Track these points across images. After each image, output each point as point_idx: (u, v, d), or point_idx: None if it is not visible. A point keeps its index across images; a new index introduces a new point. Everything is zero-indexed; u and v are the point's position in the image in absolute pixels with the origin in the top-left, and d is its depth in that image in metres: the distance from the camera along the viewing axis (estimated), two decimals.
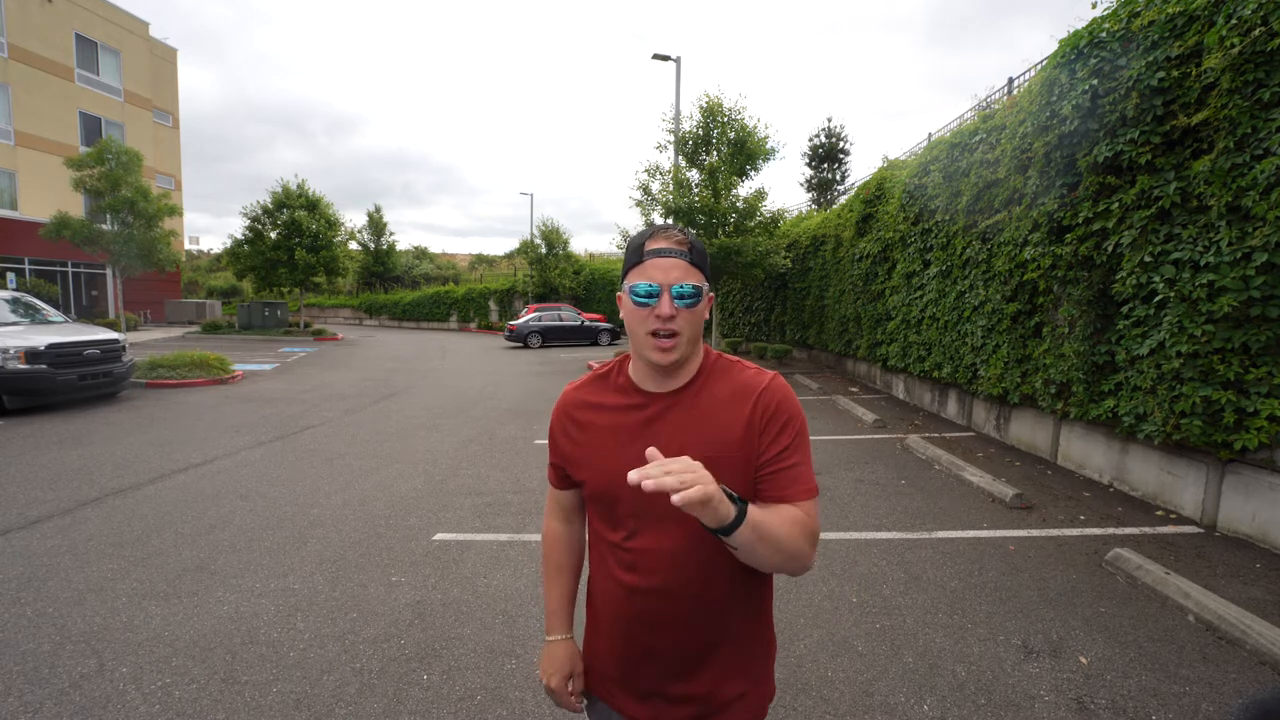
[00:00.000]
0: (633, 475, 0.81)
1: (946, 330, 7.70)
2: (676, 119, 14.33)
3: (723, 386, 1.10)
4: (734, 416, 1.06)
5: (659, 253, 1.05)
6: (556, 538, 1.30)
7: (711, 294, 1.10)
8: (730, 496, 0.89)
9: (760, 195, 13.20)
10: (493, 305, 33.32)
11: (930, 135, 9.20)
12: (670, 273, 1.03)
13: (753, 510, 0.91)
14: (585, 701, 1.28)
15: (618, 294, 1.12)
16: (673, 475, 0.81)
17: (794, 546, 0.97)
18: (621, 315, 1.11)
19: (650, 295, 1.03)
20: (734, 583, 1.10)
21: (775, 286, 15.23)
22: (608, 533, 1.15)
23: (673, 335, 1.03)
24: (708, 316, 1.12)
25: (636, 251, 1.07)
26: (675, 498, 0.79)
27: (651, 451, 0.87)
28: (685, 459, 0.85)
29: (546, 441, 1.23)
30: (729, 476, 1.01)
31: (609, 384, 1.17)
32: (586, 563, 1.30)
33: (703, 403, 1.09)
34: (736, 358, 1.16)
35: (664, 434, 1.07)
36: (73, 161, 18.61)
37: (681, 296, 1.03)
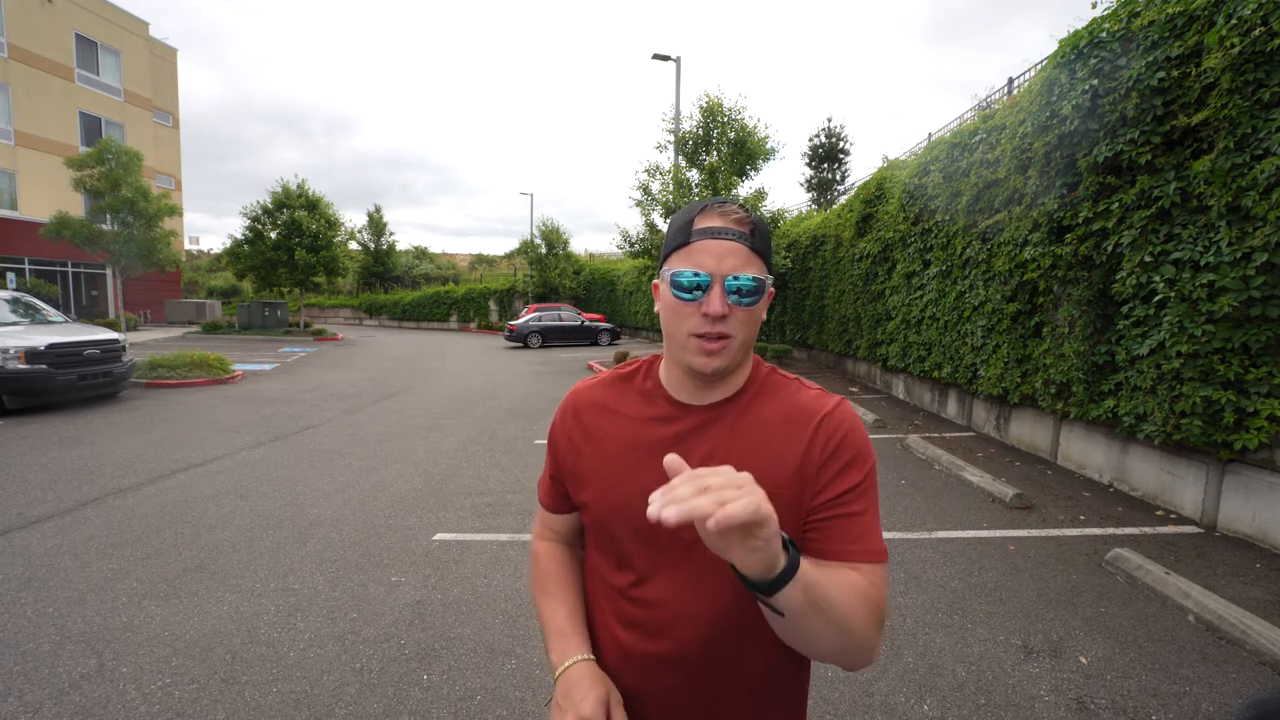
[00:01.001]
0: (653, 508, 0.57)
1: (946, 330, 7.70)
2: (676, 119, 14.33)
3: (775, 406, 0.88)
4: (788, 445, 0.84)
5: (713, 233, 0.82)
6: (550, 553, 1.05)
7: (772, 289, 0.87)
8: (784, 541, 0.65)
9: (760, 195, 13.20)
10: (493, 305, 33.32)
11: (930, 135, 9.20)
12: (725, 260, 0.81)
13: (806, 565, 0.67)
14: None
15: (654, 281, 0.90)
16: (710, 494, 0.57)
17: (857, 625, 0.72)
18: (657, 308, 0.89)
19: (697, 287, 0.81)
20: (774, 660, 0.86)
21: (775, 286, 15.21)
22: (610, 574, 0.92)
23: (723, 338, 0.82)
24: (765, 316, 0.88)
25: (683, 229, 0.84)
26: (711, 521, 0.56)
27: (673, 460, 0.64)
28: (727, 469, 0.62)
29: (550, 425, 1.03)
30: (780, 515, 0.72)
31: (632, 387, 0.95)
32: None
33: (749, 423, 0.87)
34: (793, 375, 0.94)
35: (697, 456, 0.85)
36: (73, 161, 18.62)
37: (739, 292, 0.81)
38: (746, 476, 0.61)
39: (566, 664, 0.91)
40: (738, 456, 0.84)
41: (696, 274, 0.81)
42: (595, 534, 0.96)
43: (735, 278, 0.81)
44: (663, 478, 0.67)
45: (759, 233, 0.84)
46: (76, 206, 20.66)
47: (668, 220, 13.67)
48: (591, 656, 0.93)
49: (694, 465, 0.73)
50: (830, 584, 0.71)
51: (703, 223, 0.83)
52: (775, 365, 0.96)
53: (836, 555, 0.79)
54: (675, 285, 0.82)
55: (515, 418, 8.46)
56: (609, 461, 0.91)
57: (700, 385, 0.89)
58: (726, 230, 0.82)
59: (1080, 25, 5.20)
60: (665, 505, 0.57)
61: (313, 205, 24.27)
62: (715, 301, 0.80)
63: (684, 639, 0.85)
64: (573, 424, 0.97)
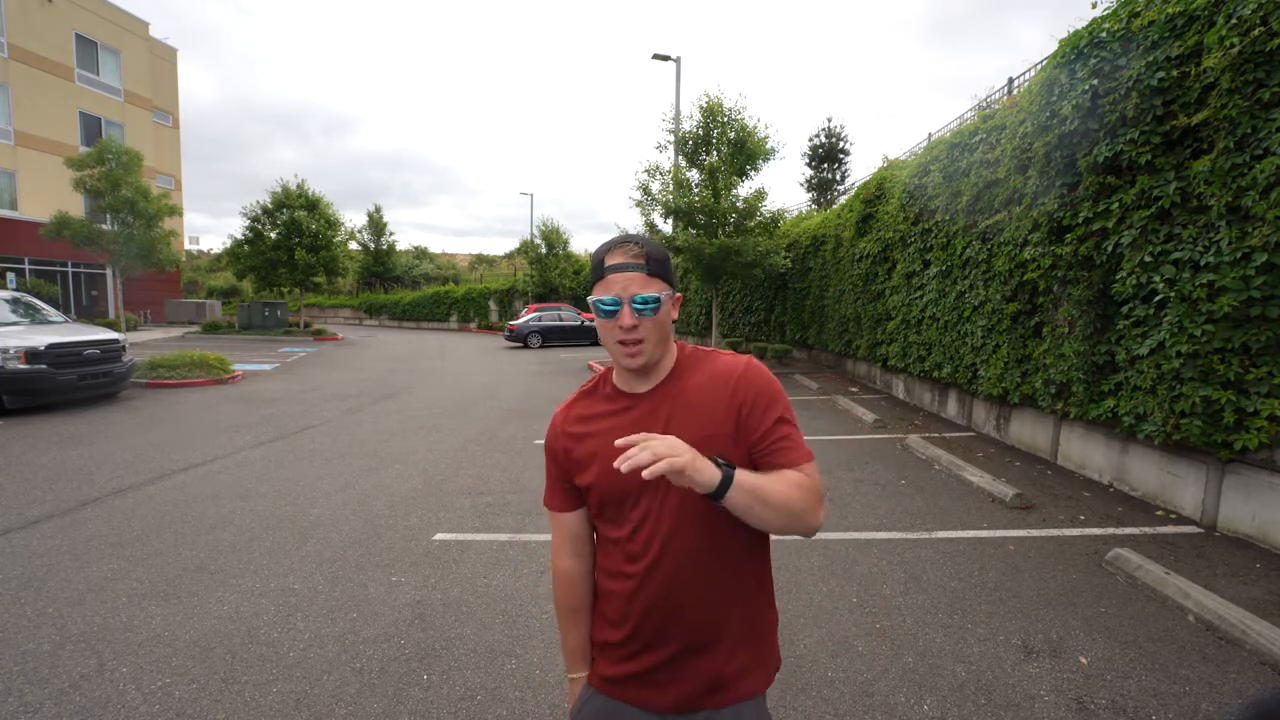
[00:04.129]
0: (617, 461, 0.91)
1: (946, 330, 7.70)
2: (676, 119, 14.33)
3: (700, 375, 1.17)
4: (716, 399, 1.13)
5: (616, 268, 1.10)
6: (571, 578, 1.28)
7: (679, 294, 1.17)
8: (718, 463, 0.98)
9: (760, 195, 13.19)
10: (493, 305, 33.32)
11: (930, 135, 9.20)
12: (629, 286, 1.09)
13: (744, 474, 0.99)
14: (587, 694, 1.26)
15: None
16: (648, 450, 0.91)
17: (797, 505, 1.04)
18: (597, 327, 1.18)
19: (613, 309, 1.09)
20: (738, 559, 1.16)
21: (775, 286, 15.22)
22: (613, 530, 1.18)
23: (638, 342, 1.10)
24: (676, 316, 1.18)
25: (598, 267, 1.13)
26: (645, 472, 0.89)
27: (622, 441, 0.95)
28: (669, 438, 0.94)
29: (545, 444, 1.27)
30: (722, 450, 1.08)
31: (597, 396, 1.23)
32: None
33: (684, 392, 1.15)
34: (711, 349, 1.23)
35: (655, 428, 1.12)
36: (73, 161, 18.61)
37: (642, 305, 1.09)
38: (674, 440, 0.94)
39: (575, 675, 1.28)
40: (684, 418, 1.12)
41: (611, 299, 1.09)
42: (599, 505, 1.19)
43: (637, 298, 1.09)
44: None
45: (653, 259, 1.11)
46: (76, 206, 20.66)
47: (669, 220, 13.72)
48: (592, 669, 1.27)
49: (656, 432, 1.08)
50: (770, 482, 1.03)
51: (610, 260, 1.11)
52: (696, 344, 1.24)
53: (782, 466, 1.10)
54: (598, 308, 1.11)
55: (515, 418, 8.46)
56: (599, 450, 1.16)
57: (639, 377, 1.17)
58: (626, 264, 1.10)
59: (1080, 25, 5.21)
60: (621, 462, 0.91)
61: (312, 205, 24.25)
62: (625, 317, 1.09)
63: (673, 559, 1.12)
64: (563, 437, 1.23)
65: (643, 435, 0.96)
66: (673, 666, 1.15)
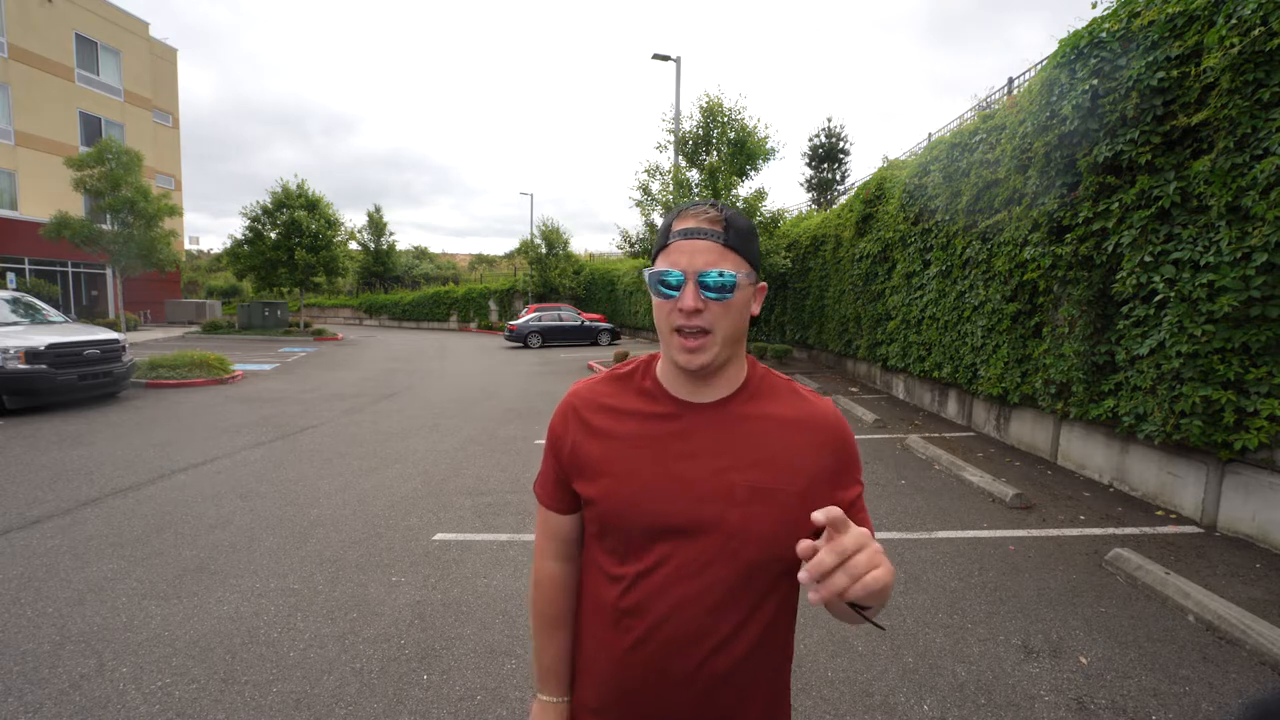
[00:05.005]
0: (804, 576, 0.66)
1: (946, 330, 7.70)
2: (676, 119, 14.33)
3: (778, 408, 0.94)
4: (797, 448, 0.91)
5: (686, 233, 0.87)
6: (554, 584, 1.05)
7: (763, 284, 0.94)
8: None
9: (760, 195, 13.20)
10: (493, 305, 33.32)
11: (930, 135, 9.20)
12: (697, 257, 0.85)
13: None
14: None
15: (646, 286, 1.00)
16: (845, 573, 0.65)
17: (889, 591, 0.83)
18: (653, 310, 0.94)
19: (676, 285, 0.86)
20: (765, 626, 0.92)
21: (775, 286, 15.23)
22: (612, 565, 0.94)
23: (702, 333, 0.86)
24: (756, 312, 0.93)
25: (663, 234, 0.91)
26: (856, 589, 0.65)
27: (833, 513, 0.67)
28: (860, 534, 0.68)
29: (550, 424, 1.04)
30: (785, 512, 0.87)
31: (631, 386, 0.98)
32: None
33: (750, 424, 0.92)
34: (785, 376, 1.00)
35: (707, 454, 0.90)
36: (73, 161, 18.60)
37: (711, 287, 0.85)
38: (873, 542, 0.69)
39: (545, 698, 1.04)
40: (743, 453, 0.90)
41: (674, 273, 0.86)
42: (600, 529, 0.96)
43: (708, 274, 0.85)
44: (673, 473, 0.89)
45: (734, 230, 0.88)
46: (76, 206, 20.64)
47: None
48: (568, 699, 1.03)
49: (701, 464, 0.89)
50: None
51: (679, 225, 0.89)
52: (769, 366, 1.02)
53: None
54: (655, 284, 0.89)
55: (515, 418, 8.46)
56: (616, 458, 0.93)
57: (695, 383, 0.93)
58: (699, 230, 0.87)
59: (1080, 25, 5.21)
60: (810, 583, 0.66)
61: (312, 205, 24.25)
62: (687, 297, 0.85)
63: (688, 620, 0.88)
64: (575, 422, 0.98)
65: (829, 514, 0.67)
66: None
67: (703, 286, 0.85)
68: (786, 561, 0.88)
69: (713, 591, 0.88)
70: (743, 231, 0.89)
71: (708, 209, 0.89)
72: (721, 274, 0.85)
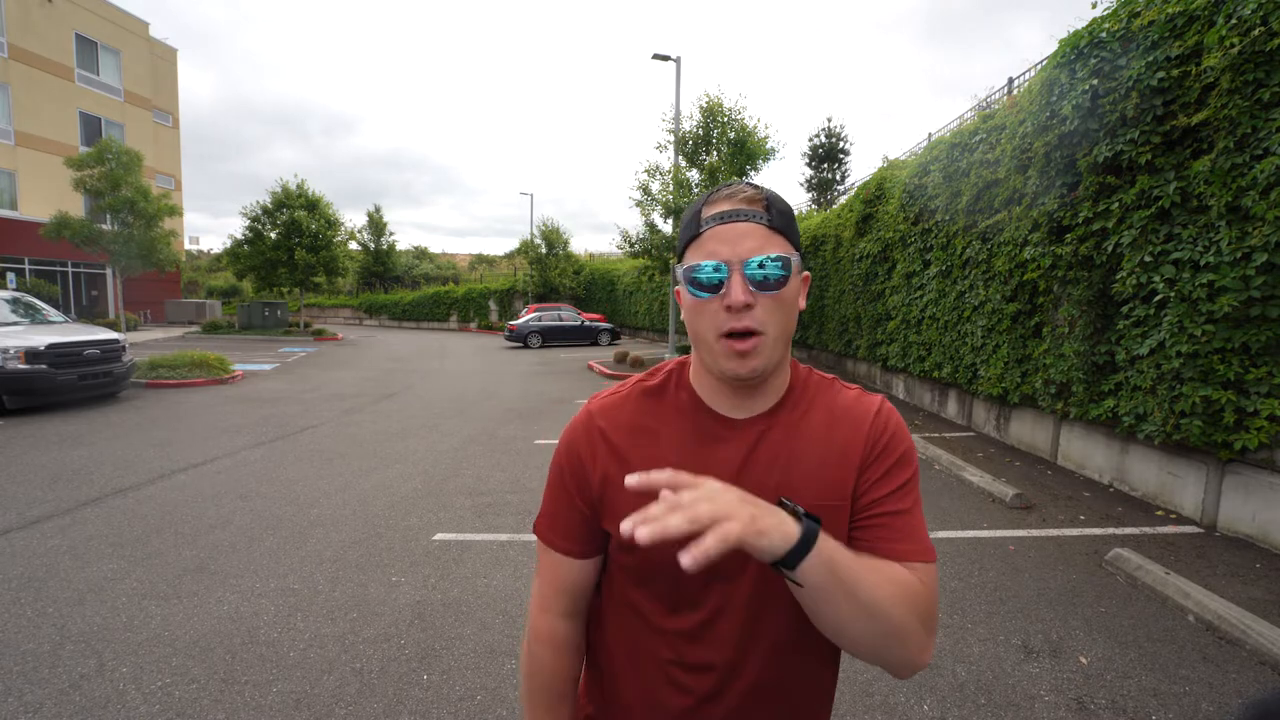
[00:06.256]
0: (628, 524, 0.57)
1: (946, 330, 7.70)
2: (676, 119, 14.33)
3: (820, 411, 0.81)
4: (837, 451, 0.78)
5: (723, 217, 0.73)
6: (562, 648, 0.87)
7: (807, 273, 0.79)
8: (795, 512, 0.64)
9: None
10: (493, 305, 33.32)
11: (930, 135, 9.20)
12: (741, 243, 0.72)
13: (834, 545, 0.64)
14: None
15: (675, 288, 0.83)
16: (680, 514, 0.57)
17: (889, 610, 0.66)
18: (683, 316, 0.79)
19: (716, 281, 0.72)
20: (833, 664, 0.83)
21: None
22: (663, 619, 0.80)
23: (753, 334, 0.72)
24: (803, 306, 0.79)
25: (693, 221, 0.76)
26: (685, 558, 0.56)
27: (636, 480, 0.62)
28: (712, 485, 0.61)
29: (548, 442, 0.92)
30: (841, 531, 0.75)
31: (665, 402, 0.84)
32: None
33: (800, 436, 0.79)
34: (830, 374, 0.88)
35: (759, 476, 0.78)
36: (73, 161, 18.60)
37: (760, 281, 0.72)
38: (717, 489, 0.61)
39: None
40: (807, 477, 0.78)
41: (713, 265, 0.72)
42: (641, 576, 0.81)
43: (755, 261, 0.71)
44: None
45: (776, 209, 0.75)
46: (76, 206, 20.65)
47: (668, 220, 13.71)
48: None
49: (754, 486, 0.72)
50: (865, 569, 0.67)
51: (711, 209, 0.75)
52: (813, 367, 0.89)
53: (887, 555, 0.72)
54: (692, 282, 0.74)
55: (515, 418, 8.46)
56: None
57: (740, 394, 0.79)
58: (738, 212, 0.73)
59: (1080, 25, 5.21)
60: (635, 527, 0.57)
61: (312, 205, 24.25)
62: (737, 290, 0.71)
63: (762, 667, 0.78)
64: (605, 449, 0.82)
65: (666, 475, 0.61)
66: None
67: (751, 278, 0.71)
68: None
69: (785, 629, 0.78)
70: (785, 212, 0.76)
71: (745, 187, 0.76)
72: (772, 260, 0.72)
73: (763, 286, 0.72)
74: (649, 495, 0.69)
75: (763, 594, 0.77)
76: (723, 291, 0.72)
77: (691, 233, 0.76)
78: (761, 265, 0.71)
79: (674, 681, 0.80)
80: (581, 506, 0.83)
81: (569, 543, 0.85)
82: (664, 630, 0.81)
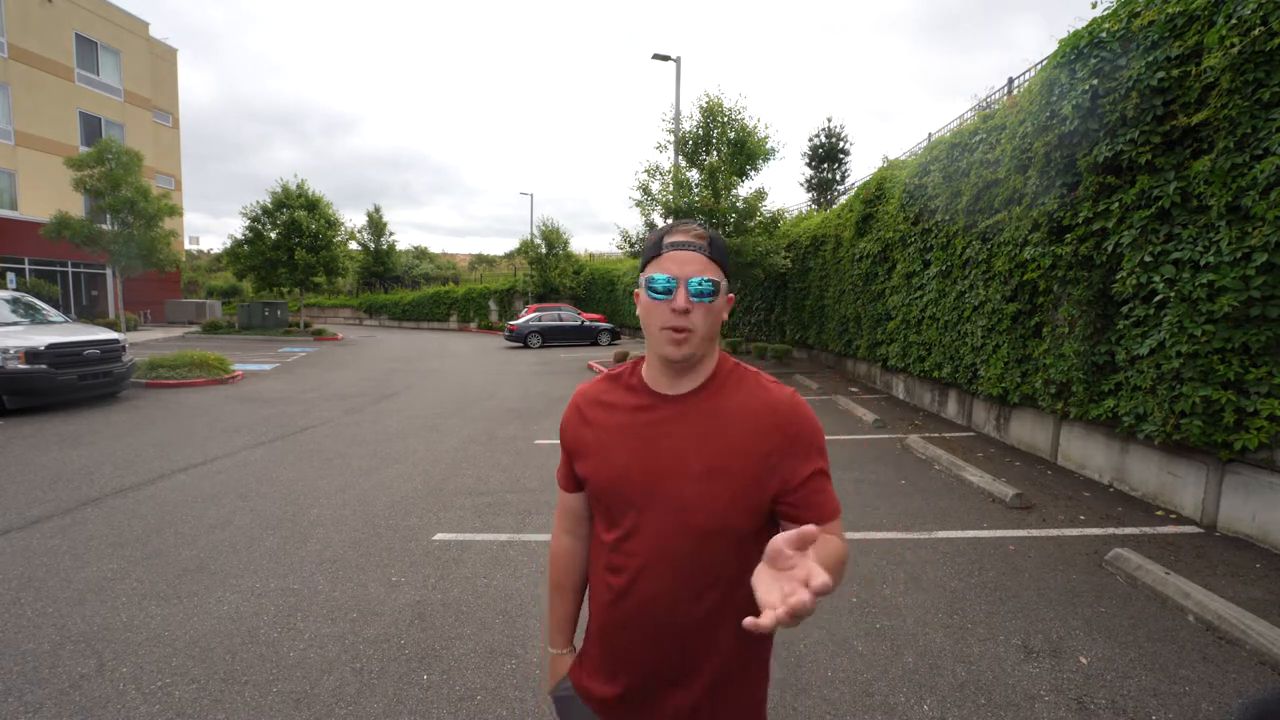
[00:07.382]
0: (773, 617, 0.71)
1: (946, 330, 7.70)
2: (676, 119, 14.33)
3: (738, 397, 1.08)
4: (750, 430, 1.05)
5: (677, 245, 1.04)
6: (563, 554, 1.28)
7: (731, 295, 1.11)
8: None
9: (760, 195, 13.19)
10: (493, 305, 33.32)
11: (930, 135, 9.20)
12: (688, 265, 1.02)
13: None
14: (568, 693, 1.23)
15: (635, 290, 1.11)
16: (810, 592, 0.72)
17: (841, 570, 1.00)
18: (638, 313, 1.09)
19: (667, 290, 1.02)
20: (723, 590, 1.06)
21: (775, 286, 15.23)
22: (604, 532, 1.13)
23: (687, 331, 1.02)
24: (726, 318, 1.10)
25: (655, 245, 1.07)
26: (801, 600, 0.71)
27: (811, 531, 0.75)
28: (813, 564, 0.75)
29: (548, 442, 1.23)
30: (735, 487, 1.03)
31: (620, 384, 1.17)
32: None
33: (720, 411, 1.07)
34: (753, 368, 1.14)
35: (673, 438, 1.07)
36: (73, 161, 18.60)
37: (699, 293, 1.01)
38: (811, 562, 0.75)
39: (554, 651, 1.28)
40: (707, 438, 1.05)
41: (666, 278, 1.02)
42: (594, 501, 1.16)
43: (697, 281, 1.01)
44: (646, 454, 1.06)
45: (715, 245, 1.06)
46: (76, 206, 20.65)
47: (667, 219, 13.71)
48: (570, 650, 1.28)
49: (671, 446, 1.06)
50: (826, 558, 0.93)
51: (671, 238, 1.05)
52: (738, 360, 1.15)
53: (810, 521, 0.98)
54: (650, 288, 1.04)
55: (515, 418, 8.46)
56: (604, 443, 1.12)
57: (673, 375, 1.09)
58: (689, 243, 1.04)
59: (1080, 25, 5.21)
60: (782, 613, 0.71)
61: (312, 205, 24.22)
62: (680, 298, 1.01)
63: (657, 579, 1.05)
64: (576, 415, 1.19)
65: (803, 533, 0.75)
66: (648, 691, 1.09)
67: (692, 291, 1.01)
68: (738, 532, 1.04)
69: (673, 555, 1.04)
70: (721, 248, 1.07)
71: (695, 226, 1.07)
72: (708, 281, 1.02)
73: (699, 297, 1.02)
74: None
75: (663, 528, 1.04)
76: (671, 298, 1.02)
77: (654, 253, 1.06)
78: (700, 283, 1.02)
79: (605, 581, 1.12)
80: (566, 454, 1.21)
81: (563, 480, 1.25)
82: (603, 541, 1.13)
